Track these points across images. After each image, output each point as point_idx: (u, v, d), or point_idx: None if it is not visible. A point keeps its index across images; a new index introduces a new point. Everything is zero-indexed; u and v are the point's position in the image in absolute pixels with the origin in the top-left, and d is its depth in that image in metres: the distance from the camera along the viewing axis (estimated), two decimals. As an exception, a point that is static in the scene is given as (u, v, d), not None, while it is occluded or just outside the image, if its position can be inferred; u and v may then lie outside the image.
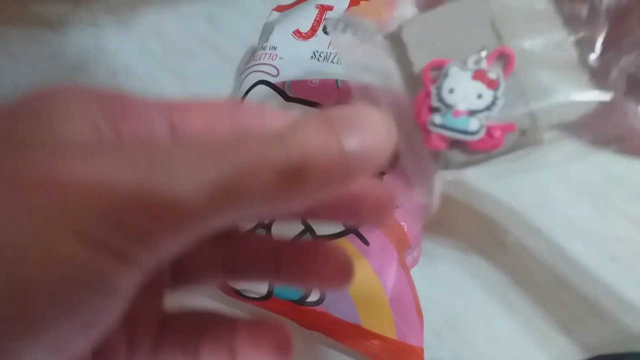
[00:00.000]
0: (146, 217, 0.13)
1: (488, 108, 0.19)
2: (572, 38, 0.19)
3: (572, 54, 0.19)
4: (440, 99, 0.19)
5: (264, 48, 0.42)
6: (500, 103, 0.19)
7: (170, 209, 0.13)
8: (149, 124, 0.17)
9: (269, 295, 0.35)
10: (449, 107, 0.19)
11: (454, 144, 0.20)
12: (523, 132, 0.19)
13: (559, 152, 0.20)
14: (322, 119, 0.15)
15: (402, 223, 0.35)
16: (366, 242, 0.34)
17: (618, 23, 0.19)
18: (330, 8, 0.42)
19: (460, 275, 0.38)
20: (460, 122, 0.19)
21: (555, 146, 0.20)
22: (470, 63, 0.19)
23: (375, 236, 0.34)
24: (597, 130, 0.20)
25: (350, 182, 0.15)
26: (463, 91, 0.19)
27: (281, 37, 0.41)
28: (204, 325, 0.19)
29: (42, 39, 0.49)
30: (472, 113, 0.19)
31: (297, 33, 0.41)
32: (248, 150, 0.14)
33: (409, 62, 0.20)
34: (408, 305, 0.34)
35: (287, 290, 0.35)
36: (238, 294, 0.36)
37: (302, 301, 0.35)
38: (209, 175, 0.13)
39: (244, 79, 0.40)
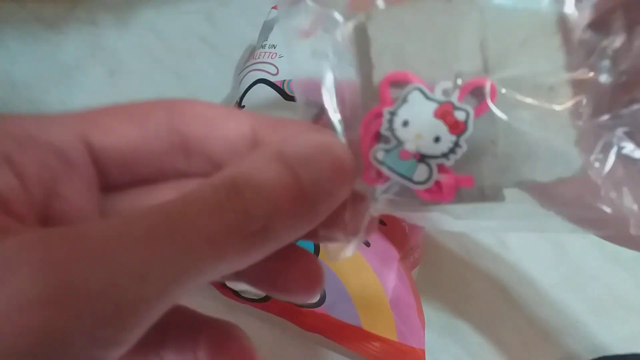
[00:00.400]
0: (92, 327, 0.11)
1: (444, 155, 0.15)
2: (571, 85, 0.15)
3: (566, 103, 0.15)
4: (391, 129, 0.15)
5: (263, 46, 0.41)
6: (460, 151, 0.15)
7: (117, 313, 0.12)
8: (58, 150, 0.14)
9: (269, 296, 0.35)
10: (398, 141, 0.15)
11: (395, 183, 0.16)
12: (481, 188, 0.15)
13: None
14: (277, 159, 0.14)
15: (403, 224, 0.35)
16: (367, 243, 0.34)
17: (628, 86, 0.16)
18: (330, 6, 0.42)
19: (461, 276, 0.38)
20: (405, 166, 0.15)
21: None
22: (438, 91, 0.15)
23: (376, 237, 0.34)
24: (573, 208, 0.16)
25: (317, 219, 0.14)
26: (418, 128, 0.15)
27: (281, 36, 0.41)
28: (167, 328, 0.17)
29: (40, 38, 0.49)
30: (422, 157, 0.15)
31: (297, 31, 0.41)
32: (197, 219, 0.12)
33: (370, 65, 0.16)
34: (409, 306, 0.34)
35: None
36: (237, 296, 0.36)
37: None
38: (155, 265, 0.12)
39: (243, 77, 0.40)
